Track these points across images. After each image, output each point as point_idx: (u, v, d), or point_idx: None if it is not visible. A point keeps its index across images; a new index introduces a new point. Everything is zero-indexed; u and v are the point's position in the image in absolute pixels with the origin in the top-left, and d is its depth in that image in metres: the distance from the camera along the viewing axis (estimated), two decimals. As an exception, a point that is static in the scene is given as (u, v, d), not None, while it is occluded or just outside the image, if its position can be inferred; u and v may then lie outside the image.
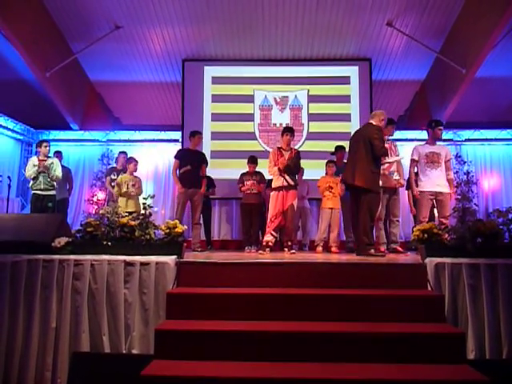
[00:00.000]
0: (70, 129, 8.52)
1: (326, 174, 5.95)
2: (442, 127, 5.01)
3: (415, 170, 4.97)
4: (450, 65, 6.99)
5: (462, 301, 2.85)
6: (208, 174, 6.30)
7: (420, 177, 4.82)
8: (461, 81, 6.99)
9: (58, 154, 6.82)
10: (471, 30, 6.55)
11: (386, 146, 4.90)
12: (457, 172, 7.59)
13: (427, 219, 4.59)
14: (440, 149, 4.88)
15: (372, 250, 4.14)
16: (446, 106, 7.63)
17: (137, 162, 6.12)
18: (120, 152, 7.02)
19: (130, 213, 3.72)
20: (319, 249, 5.66)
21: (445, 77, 7.46)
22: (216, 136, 7.78)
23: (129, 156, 6.52)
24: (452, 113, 7.69)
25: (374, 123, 4.44)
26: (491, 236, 3.03)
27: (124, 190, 5.73)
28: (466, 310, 2.82)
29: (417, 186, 4.86)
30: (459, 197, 7.22)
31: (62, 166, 6.30)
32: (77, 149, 8.56)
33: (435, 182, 4.70)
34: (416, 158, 4.83)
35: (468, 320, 2.79)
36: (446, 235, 3.15)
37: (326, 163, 6.01)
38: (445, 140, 7.94)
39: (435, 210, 5.02)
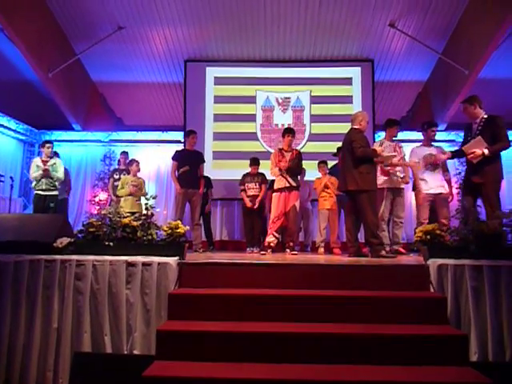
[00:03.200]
0: (73, 129, 8.54)
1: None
2: (435, 128, 5.08)
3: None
4: (452, 66, 6.97)
5: (465, 302, 2.82)
6: (207, 175, 6.30)
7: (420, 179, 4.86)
8: (463, 82, 6.98)
9: (56, 156, 6.81)
10: (474, 31, 6.54)
11: (388, 147, 4.92)
12: (460, 173, 7.56)
13: (427, 221, 4.62)
14: (436, 150, 4.93)
15: (383, 252, 4.12)
16: (448, 107, 7.62)
17: (138, 162, 6.13)
18: (121, 152, 7.04)
19: (133, 213, 3.72)
20: (321, 250, 5.66)
21: (447, 78, 7.44)
22: (218, 137, 7.79)
23: (130, 157, 6.53)
24: (454, 114, 7.67)
25: (355, 127, 4.49)
26: (494, 237, 3.01)
27: (126, 189, 5.73)
28: (468, 312, 2.80)
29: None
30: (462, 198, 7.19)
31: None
32: (79, 149, 8.57)
33: (434, 183, 4.76)
34: (416, 160, 4.88)
35: (471, 322, 2.77)
36: (448, 236, 3.14)
37: (318, 164, 6.03)
38: (447, 141, 7.95)
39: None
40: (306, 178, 6.28)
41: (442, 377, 2.23)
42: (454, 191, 6.71)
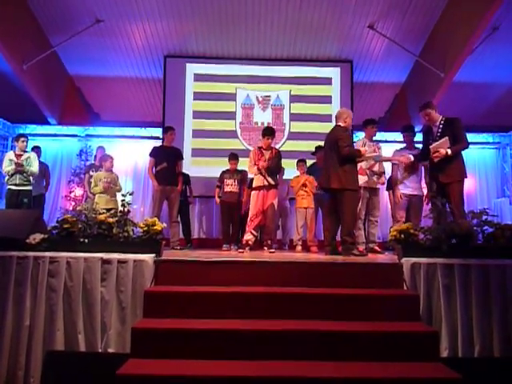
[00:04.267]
0: (48, 123, 8.33)
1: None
2: (409, 133, 5.21)
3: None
4: (429, 68, 7.11)
5: (437, 300, 2.90)
6: (185, 171, 6.25)
7: (399, 180, 4.99)
8: (439, 85, 7.13)
9: (37, 150, 6.65)
10: (450, 35, 6.69)
11: (370, 147, 5.01)
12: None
13: (404, 219, 4.77)
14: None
15: (355, 250, 4.18)
16: (424, 109, 7.76)
17: (112, 158, 6.04)
18: (98, 147, 6.93)
19: (108, 210, 3.67)
20: (298, 248, 5.70)
21: (424, 80, 7.59)
22: (197, 134, 7.75)
23: (106, 153, 6.44)
24: (431, 116, 7.84)
25: (340, 124, 4.50)
26: (465, 237, 3.10)
27: (100, 186, 5.65)
28: (440, 309, 2.88)
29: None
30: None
31: (40, 162, 6.17)
32: (54, 144, 8.37)
33: (411, 185, 4.91)
34: (396, 162, 5.00)
35: (442, 319, 2.85)
36: (422, 236, 3.21)
37: (297, 162, 6.05)
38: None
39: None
40: (284, 177, 6.30)
41: (414, 372, 2.29)
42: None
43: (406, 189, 4.95)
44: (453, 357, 2.77)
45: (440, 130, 4.15)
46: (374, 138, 5.42)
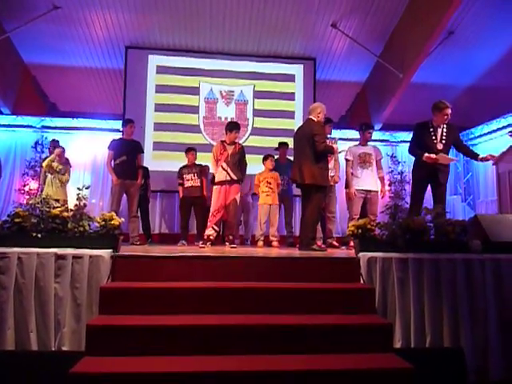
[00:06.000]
0: (1, 113, 7.93)
1: (265, 168, 5.96)
2: (371, 130, 5.43)
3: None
4: (388, 69, 7.31)
5: (392, 293, 3.00)
6: (146, 165, 6.15)
7: (353, 176, 5.13)
8: (398, 85, 7.35)
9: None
10: (409, 36, 6.90)
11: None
12: (392, 171, 7.98)
13: (358, 216, 4.90)
14: (371, 149, 5.28)
15: (315, 246, 4.25)
16: (384, 108, 7.99)
17: (63, 149, 5.93)
18: (51, 140, 6.74)
19: (57, 200, 3.56)
20: (260, 243, 5.72)
21: (384, 80, 7.80)
22: (159, 127, 7.62)
23: (64, 146, 6.25)
24: (389, 115, 8.08)
25: (313, 118, 4.46)
26: (419, 232, 3.21)
27: (54, 167, 5.59)
28: (394, 302, 2.98)
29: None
30: (392, 195, 7.61)
31: (-9, 153, 5.89)
32: (7, 134, 7.98)
33: (366, 181, 5.11)
34: (350, 158, 5.23)
35: (396, 311, 2.95)
36: (378, 231, 3.31)
37: (266, 157, 5.96)
38: (381, 140, 8.33)
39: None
40: (247, 172, 6.29)
41: (367, 363, 2.36)
42: (387, 188, 7.08)
43: (363, 185, 5.10)
44: (406, 347, 2.88)
45: (445, 134, 4.29)
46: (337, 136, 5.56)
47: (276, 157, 6.24)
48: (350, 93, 8.80)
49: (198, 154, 6.23)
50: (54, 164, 5.65)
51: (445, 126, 4.31)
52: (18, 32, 6.98)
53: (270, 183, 5.77)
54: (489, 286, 3.02)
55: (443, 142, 4.27)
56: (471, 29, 6.95)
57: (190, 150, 6.12)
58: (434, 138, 4.28)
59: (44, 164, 5.82)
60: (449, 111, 4.20)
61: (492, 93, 7.92)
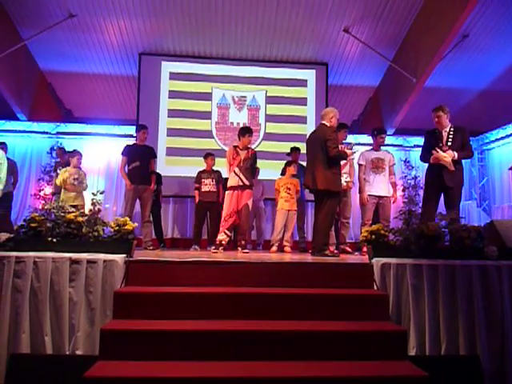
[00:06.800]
0: (17, 119, 8.10)
1: (283, 174, 5.93)
2: (384, 135, 5.38)
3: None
4: (401, 73, 7.27)
5: (406, 300, 2.96)
6: (158, 171, 6.18)
7: (365, 181, 5.10)
8: (411, 89, 7.30)
9: (3, 146, 6.43)
10: (422, 41, 6.86)
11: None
12: (405, 176, 7.92)
13: (371, 221, 4.87)
14: (384, 154, 5.24)
15: (327, 251, 4.22)
16: (396, 112, 7.94)
17: (80, 155, 5.96)
18: (57, 147, 6.90)
19: (74, 206, 3.59)
20: (274, 248, 5.69)
21: (396, 85, 7.76)
22: (172, 133, 7.68)
23: (80, 151, 6.32)
24: (402, 120, 8.03)
25: (326, 123, 4.41)
26: (434, 238, 3.17)
27: (69, 182, 5.58)
28: (408, 309, 2.93)
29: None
30: (406, 200, 7.55)
31: (8, 159, 5.96)
32: (24, 140, 8.15)
33: (377, 186, 5.07)
34: (363, 162, 5.19)
35: (410, 318, 2.91)
36: (391, 236, 3.27)
37: (289, 162, 5.91)
38: (395, 145, 8.29)
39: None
40: (259, 177, 6.30)
41: (381, 371, 2.33)
42: (399, 193, 7.02)
43: (375, 190, 5.06)
44: (420, 355, 2.84)
45: (451, 137, 4.24)
46: (348, 141, 5.52)
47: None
48: (363, 97, 8.76)
49: (210, 159, 6.25)
50: (69, 180, 5.65)
51: (452, 129, 4.28)
52: (34, 40, 7.14)
53: (289, 189, 5.70)
54: (505, 293, 2.96)
55: (449, 144, 4.23)
56: (486, 32, 6.89)
57: (209, 155, 6.10)
58: (439, 141, 4.29)
59: (57, 182, 5.82)
60: (433, 114, 4.30)
61: (506, 97, 7.82)
